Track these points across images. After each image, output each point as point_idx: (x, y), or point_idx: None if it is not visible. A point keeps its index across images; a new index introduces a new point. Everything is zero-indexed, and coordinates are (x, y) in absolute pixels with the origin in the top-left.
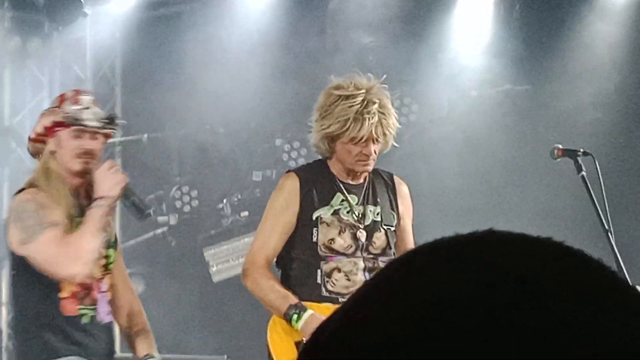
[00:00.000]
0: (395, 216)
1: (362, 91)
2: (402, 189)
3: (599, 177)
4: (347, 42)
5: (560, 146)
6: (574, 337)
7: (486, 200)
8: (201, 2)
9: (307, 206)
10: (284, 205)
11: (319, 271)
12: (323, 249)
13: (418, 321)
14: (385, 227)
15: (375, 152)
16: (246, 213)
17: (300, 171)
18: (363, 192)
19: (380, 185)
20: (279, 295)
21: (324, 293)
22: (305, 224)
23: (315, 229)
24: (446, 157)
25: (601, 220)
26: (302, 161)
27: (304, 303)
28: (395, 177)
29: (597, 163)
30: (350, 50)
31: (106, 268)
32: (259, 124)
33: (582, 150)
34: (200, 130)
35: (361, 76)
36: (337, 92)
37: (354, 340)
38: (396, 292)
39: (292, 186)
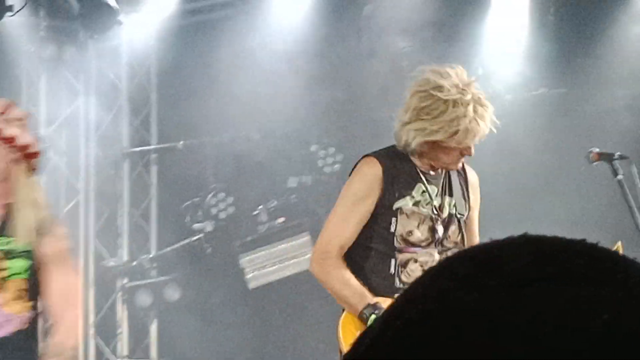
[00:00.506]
0: (467, 206)
1: (466, 93)
2: (473, 178)
3: (635, 181)
4: (382, 47)
5: (596, 150)
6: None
7: (521, 205)
8: (236, 10)
9: (388, 195)
10: (364, 193)
11: (393, 261)
12: (399, 240)
13: (460, 334)
14: (458, 219)
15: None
16: (282, 219)
17: (381, 157)
18: (441, 183)
19: (454, 174)
20: (355, 292)
21: (398, 284)
22: (383, 212)
23: (394, 219)
24: (480, 162)
25: (637, 224)
26: (337, 167)
27: (378, 299)
28: (466, 165)
29: (634, 166)
30: (385, 55)
31: (3, 280)
32: (294, 130)
33: (618, 154)
34: (236, 137)
35: (449, 67)
36: (441, 96)
37: (390, 353)
38: (436, 301)
39: (374, 173)
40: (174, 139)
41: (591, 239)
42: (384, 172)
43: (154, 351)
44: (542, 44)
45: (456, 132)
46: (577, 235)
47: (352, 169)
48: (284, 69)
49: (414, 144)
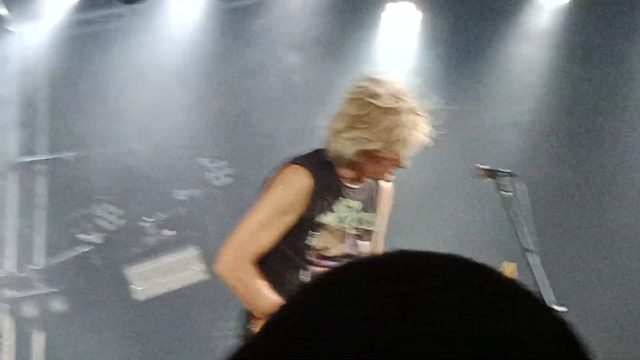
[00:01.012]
0: (376, 218)
1: (404, 102)
2: (385, 187)
3: (520, 197)
4: (272, 61)
5: (484, 166)
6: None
7: (408, 220)
8: (128, 22)
9: (313, 210)
10: (289, 206)
11: (303, 272)
12: (314, 254)
13: (339, 344)
14: (371, 234)
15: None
16: (171, 232)
17: (312, 169)
18: (363, 197)
19: (371, 187)
20: (270, 302)
21: None
22: (304, 225)
23: (314, 232)
24: None
25: (520, 241)
26: (227, 181)
27: None
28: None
29: (521, 184)
30: (276, 69)
31: None
32: (184, 143)
33: (505, 170)
34: (126, 150)
35: (384, 75)
36: (378, 104)
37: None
38: (315, 313)
39: (303, 187)
40: (64, 150)
41: (476, 255)
42: (314, 186)
43: None
44: (432, 61)
45: (394, 142)
46: (463, 251)
47: (275, 172)
48: (175, 83)
49: (349, 154)
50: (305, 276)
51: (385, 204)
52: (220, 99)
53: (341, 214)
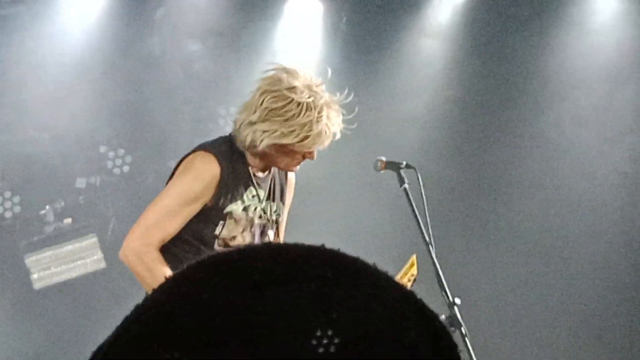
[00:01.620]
0: (283, 208)
1: (318, 97)
2: (292, 179)
3: (421, 190)
4: (173, 50)
5: (384, 158)
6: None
7: (307, 213)
8: (27, 7)
9: (220, 198)
10: (197, 194)
11: None
12: (220, 243)
13: (196, 335)
14: (277, 223)
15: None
16: (69, 220)
17: (220, 157)
18: (269, 187)
19: (277, 176)
20: None
21: None
22: (212, 214)
23: (222, 222)
24: None
25: (422, 233)
26: (127, 169)
27: None
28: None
29: (419, 176)
30: (177, 58)
31: None
32: (83, 131)
33: (404, 162)
34: (25, 136)
35: (297, 66)
36: (294, 97)
37: (125, 356)
38: (173, 304)
39: (211, 175)
40: None
41: (378, 245)
42: (221, 175)
43: None
44: (334, 52)
45: (307, 137)
46: (363, 244)
47: (183, 159)
48: (75, 71)
49: (261, 146)
50: None
51: (290, 195)
52: (120, 88)
53: (246, 202)
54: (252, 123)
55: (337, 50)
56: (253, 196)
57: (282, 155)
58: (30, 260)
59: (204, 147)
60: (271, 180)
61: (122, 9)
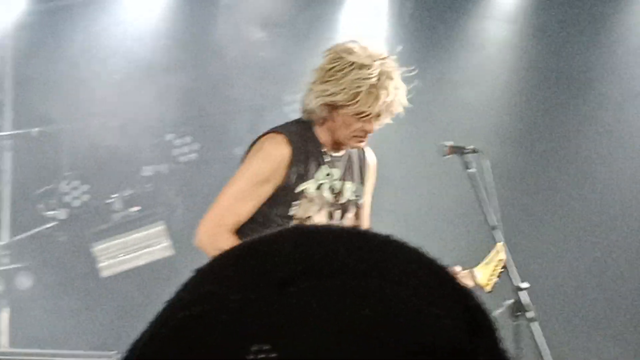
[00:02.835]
0: (363, 191)
1: (377, 62)
2: (372, 162)
3: (487, 175)
4: (239, 37)
5: (449, 143)
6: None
7: (375, 196)
8: None
9: (292, 178)
10: (267, 175)
11: None
12: (296, 224)
13: (225, 337)
14: (357, 204)
15: (374, 131)
16: (137, 208)
17: (292, 137)
18: (344, 167)
19: (355, 157)
20: None
21: None
22: (285, 195)
23: (296, 202)
24: None
25: (486, 217)
26: (193, 156)
27: None
28: (366, 148)
29: (486, 161)
30: (243, 45)
31: None
32: (150, 118)
33: (470, 147)
34: (92, 124)
35: (372, 44)
36: (350, 58)
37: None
38: (200, 305)
39: (281, 155)
40: (29, 126)
41: (446, 229)
42: (292, 154)
43: (5, 339)
44: (399, 38)
45: (357, 95)
46: (427, 228)
47: (254, 143)
48: (141, 57)
49: (314, 107)
50: None
51: (371, 179)
52: (185, 76)
53: (320, 181)
54: (309, 88)
55: (402, 37)
56: (327, 174)
57: (339, 124)
58: (98, 248)
59: (274, 129)
60: (347, 161)
61: None
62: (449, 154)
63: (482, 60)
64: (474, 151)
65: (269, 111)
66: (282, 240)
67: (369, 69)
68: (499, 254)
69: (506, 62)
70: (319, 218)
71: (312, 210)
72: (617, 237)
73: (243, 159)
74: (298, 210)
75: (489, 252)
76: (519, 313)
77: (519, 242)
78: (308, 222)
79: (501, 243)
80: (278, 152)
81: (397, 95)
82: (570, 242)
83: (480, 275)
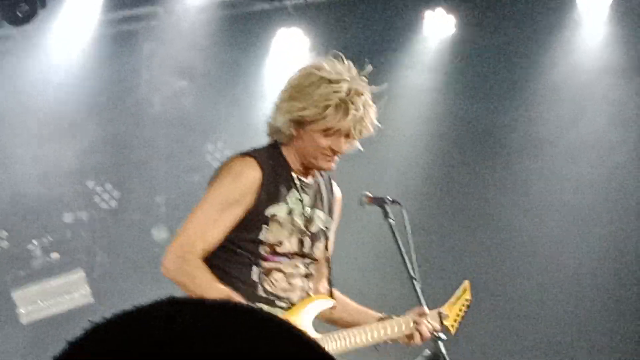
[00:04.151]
0: (331, 223)
1: (346, 77)
2: (338, 195)
3: (406, 225)
4: (161, 86)
5: (369, 193)
6: None
7: None
8: (14, 45)
9: (262, 201)
10: (237, 198)
11: (255, 268)
12: (266, 249)
13: None
14: (326, 235)
15: (343, 151)
16: (57, 255)
17: (261, 159)
18: (314, 193)
19: (323, 187)
20: (223, 292)
21: (260, 292)
22: (254, 219)
23: (264, 225)
24: None
25: (407, 268)
26: (114, 204)
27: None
28: (332, 180)
29: (404, 211)
30: (164, 94)
31: None
32: (71, 165)
33: (390, 198)
34: (11, 170)
35: (341, 62)
36: (319, 73)
37: None
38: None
39: (252, 178)
40: None
41: (364, 280)
42: (263, 178)
43: None
44: None
45: (326, 109)
46: (351, 277)
47: (221, 166)
48: (61, 105)
49: (281, 125)
50: (257, 273)
51: (338, 214)
52: (107, 123)
53: (290, 206)
54: (277, 106)
55: None
56: (297, 199)
57: (307, 143)
58: (17, 294)
59: (242, 152)
60: (317, 189)
61: (109, 43)
62: (368, 204)
63: (401, 110)
64: (393, 201)
65: (190, 160)
66: (152, 314)
67: (338, 83)
68: (465, 293)
69: (426, 111)
70: (289, 244)
71: (283, 235)
72: (536, 289)
73: (210, 183)
74: (268, 235)
75: (407, 302)
76: None
77: (436, 293)
78: (280, 248)
79: (467, 282)
80: (248, 174)
81: (367, 112)
82: (486, 294)
83: (447, 317)
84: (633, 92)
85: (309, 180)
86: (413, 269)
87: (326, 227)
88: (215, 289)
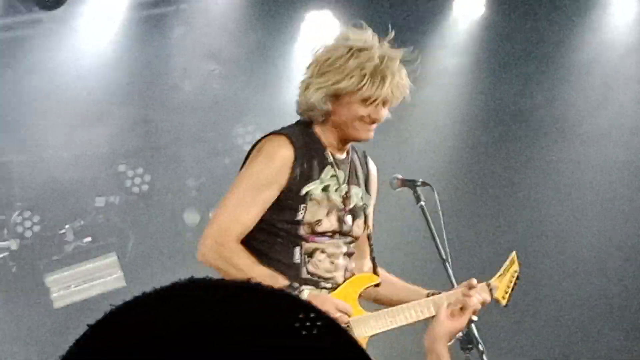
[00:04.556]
0: (369, 199)
1: (375, 44)
2: (374, 171)
3: (437, 208)
4: (192, 70)
5: (400, 176)
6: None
7: None
8: (43, 28)
9: (297, 180)
10: (270, 178)
11: (297, 249)
12: (306, 229)
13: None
14: (365, 211)
15: (383, 118)
16: (89, 239)
17: (293, 137)
18: (348, 169)
19: (358, 163)
20: (265, 274)
21: (304, 275)
22: (291, 198)
23: (302, 205)
24: None
25: (439, 250)
26: (145, 188)
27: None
28: (368, 156)
29: (436, 193)
30: (194, 78)
31: None
32: (102, 149)
33: (421, 180)
34: (43, 155)
35: (364, 29)
36: (347, 43)
37: None
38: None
39: (284, 157)
40: None
41: (397, 263)
42: (295, 154)
43: None
44: None
45: (362, 79)
46: (384, 260)
47: (252, 148)
48: (93, 89)
49: (316, 101)
50: (299, 255)
51: (375, 189)
52: (138, 106)
53: (325, 182)
54: (307, 83)
55: None
56: (332, 176)
57: (345, 114)
58: (50, 279)
59: (273, 132)
60: (350, 164)
61: (139, 27)
62: (400, 187)
63: (433, 92)
64: (423, 184)
65: (221, 143)
66: (173, 295)
67: (369, 50)
68: (514, 264)
69: (459, 93)
70: (329, 222)
71: (321, 214)
72: (563, 271)
73: (242, 166)
74: (306, 214)
75: (438, 285)
76: (470, 346)
77: (467, 274)
78: (319, 226)
79: (514, 252)
80: (280, 153)
81: (401, 76)
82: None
83: (496, 289)
84: None
85: (342, 156)
86: (445, 250)
87: (364, 203)
88: (258, 272)
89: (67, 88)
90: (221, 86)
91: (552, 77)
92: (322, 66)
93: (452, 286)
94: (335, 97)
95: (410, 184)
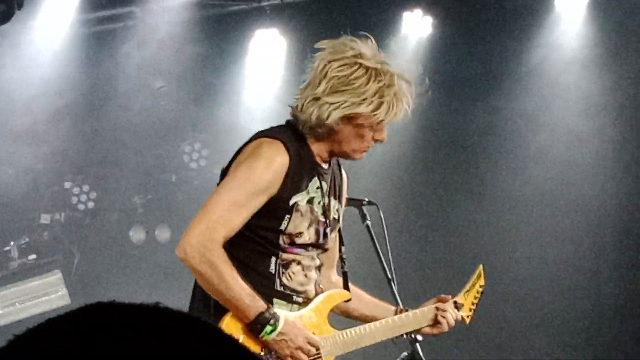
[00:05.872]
0: (342, 212)
1: (389, 64)
2: (345, 180)
3: (383, 227)
4: (141, 85)
5: (346, 196)
6: None
7: None
8: None
9: (287, 189)
10: (267, 184)
11: (273, 259)
12: (285, 239)
13: None
14: (339, 224)
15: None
16: (34, 256)
17: (288, 144)
18: (330, 181)
19: (337, 173)
20: (246, 293)
21: (278, 287)
22: (278, 206)
23: (287, 215)
24: None
25: (384, 269)
26: (91, 205)
27: (271, 307)
28: (342, 166)
29: (381, 212)
30: (142, 95)
31: None
32: (48, 165)
33: (366, 199)
34: None
35: (373, 43)
36: (363, 63)
37: None
38: None
39: (282, 165)
40: None
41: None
42: (290, 164)
43: None
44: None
45: (381, 104)
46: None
47: (242, 148)
48: (39, 104)
49: (329, 120)
50: (275, 265)
51: (345, 195)
52: (84, 123)
53: (311, 194)
54: (317, 98)
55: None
56: (317, 188)
57: (351, 135)
58: None
59: (267, 134)
60: (331, 175)
61: (85, 44)
62: (345, 206)
63: None
64: (369, 203)
65: (168, 161)
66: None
67: (386, 75)
68: (480, 279)
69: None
70: (308, 235)
71: (303, 226)
72: (515, 286)
73: (228, 166)
74: (289, 225)
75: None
76: None
77: (412, 292)
78: (299, 239)
79: (481, 266)
80: (278, 160)
81: (410, 95)
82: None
83: (462, 306)
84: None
85: (326, 166)
86: (390, 269)
87: (339, 216)
88: (239, 288)
89: (12, 103)
90: (168, 103)
91: (495, 97)
92: (335, 84)
93: (397, 305)
94: (350, 119)
95: (356, 203)
